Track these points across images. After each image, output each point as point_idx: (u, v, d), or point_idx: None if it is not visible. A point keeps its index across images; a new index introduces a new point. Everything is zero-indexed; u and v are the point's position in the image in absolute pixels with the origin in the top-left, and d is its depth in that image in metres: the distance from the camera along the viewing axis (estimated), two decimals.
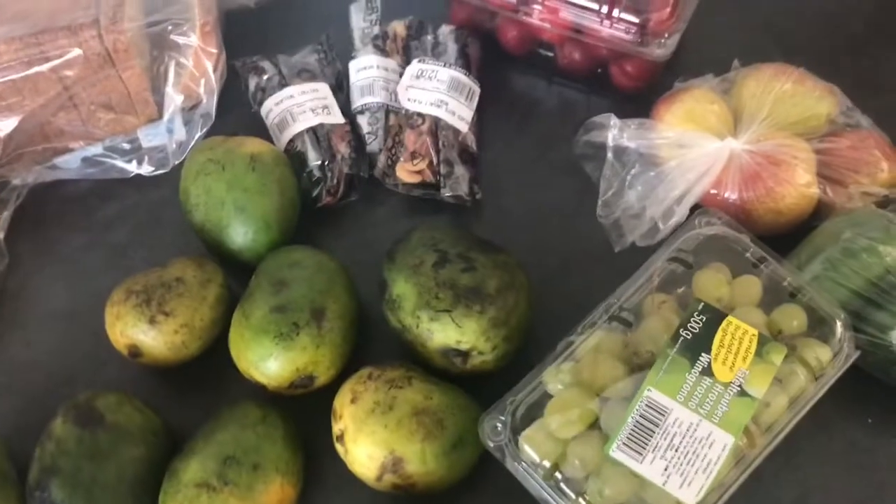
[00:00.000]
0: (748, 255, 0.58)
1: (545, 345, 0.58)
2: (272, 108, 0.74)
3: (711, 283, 0.57)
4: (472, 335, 0.59)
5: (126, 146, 0.76)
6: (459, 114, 0.72)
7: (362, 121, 0.74)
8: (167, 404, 0.64)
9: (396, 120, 0.73)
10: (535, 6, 0.71)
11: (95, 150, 0.75)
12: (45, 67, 0.68)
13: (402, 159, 0.71)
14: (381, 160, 0.72)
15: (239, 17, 0.82)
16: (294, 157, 0.72)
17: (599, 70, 0.76)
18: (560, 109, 0.77)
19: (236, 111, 0.77)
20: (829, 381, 0.55)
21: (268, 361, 0.60)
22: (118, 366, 0.66)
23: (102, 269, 0.72)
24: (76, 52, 0.68)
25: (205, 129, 0.75)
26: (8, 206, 0.73)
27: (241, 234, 0.67)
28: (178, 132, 0.75)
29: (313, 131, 0.72)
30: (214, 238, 0.68)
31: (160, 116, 0.75)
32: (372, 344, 0.66)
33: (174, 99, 0.74)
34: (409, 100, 0.72)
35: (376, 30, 0.77)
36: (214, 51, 0.74)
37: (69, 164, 0.76)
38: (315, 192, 0.71)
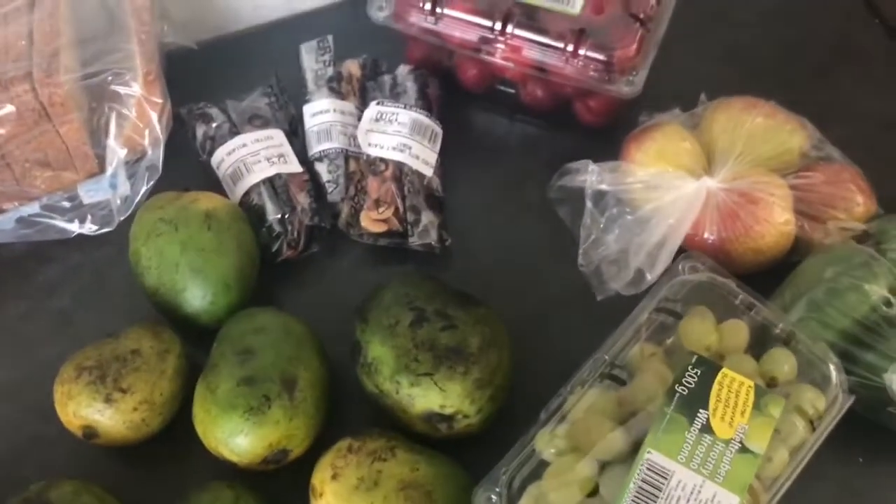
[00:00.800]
0: (737, 301, 0.56)
1: (528, 399, 0.56)
2: (224, 158, 0.70)
3: (699, 331, 0.56)
4: (456, 398, 0.56)
5: (66, 204, 0.70)
6: (423, 157, 0.69)
7: (321, 168, 0.71)
8: (128, 487, 0.59)
9: (357, 166, 0.69)
10: (498, 45, 0.68)
11: (31, 209, 0.70)
12: None
13: (365, 207, 0.67)
14: (345, 210, 0.68)
15: (181, 58, 0.77)
16: (250, 210, 0.68)
17: (563, 106, 0.74)
18: (524, 147, 0.75)
19: (184, 162, 0.72)
20: (827, 430, 0.53)
21: (238, 438, 0.56)
22: (71, 446, 0.61)
23: (46, 339, 0.67)
24: (8, 108, 0.64)
25: (151, 183, 0.71)
26: None
27: (198, 298, 0.63)
28: (123, 187, 0.71)
29: (270, 182, 0.69)
30: (169, 302, 0.63)
31: (102, 171, 0.70)
32: (346, 409, 0.63)
33: (117, 152, 0.70)
34: (369, 144, 0.69)
35: (330, 71, 0.73)
36: (159, 100, 0.70)
37: (2, 225, 0.70)
38: (275, 247, 0.67)
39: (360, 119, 0.71)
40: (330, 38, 0.75)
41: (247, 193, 0.69)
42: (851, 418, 0.58)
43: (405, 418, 0.58)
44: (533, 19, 0.68)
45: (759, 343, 0.56)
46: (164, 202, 0.66)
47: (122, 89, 0.68)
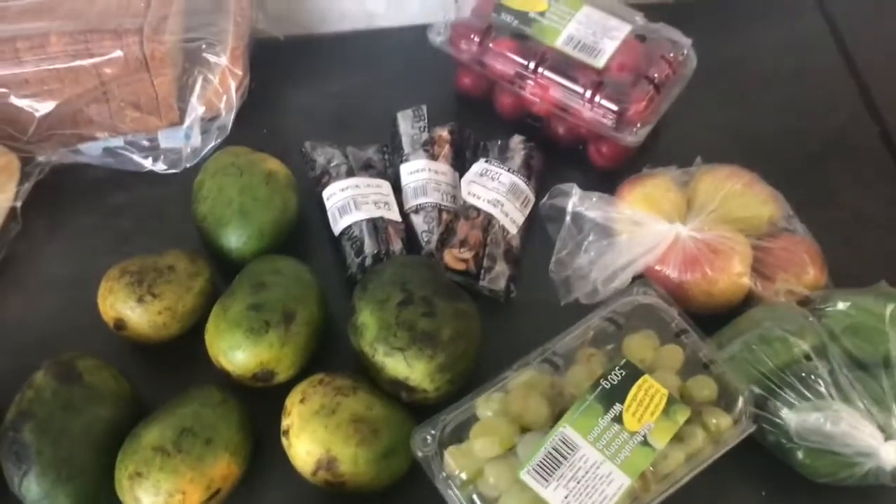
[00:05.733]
0: (673, 325, 0.65)
1: (487, 380, 0.64)
2: (336, 192, 0.78)
3: (640, 345, 0.64)
4: (419, 375, 0.65)
5: (145, 143, 0.84)
6: (512, 216, 0.77)
7: (417, 220, 0.78)
8: (140, 377, 0.70)
9: (450, 215, 0.77)
10: (529, 81, 0.79)
11: (117, 142, 0.84)
12: (87, 62, 0.76)
13: (450, 245, 0.75)
14: (433, 240, 0.76)
15: (267, 45, 0.90)
16: (350, 239, 0.76)
17: (580, 147, 0.84)
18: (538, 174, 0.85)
19: (248, 131, 0.85)
20: (726, 447, 0.61)
21: (237, 352, 0.67)
22: (104, 337, 0.72)
23: (104, 251, 0.79)
24: (118, 53, 0.76)
25: (219, 141, 0.84)
26: (30, 179, 0.81)
27: (235, 235, 0.74)
28: (194, 139, 0.83)
29: (373, 222, 0.76)
30: (211, 232, 0.75)
31: (181, 122, 0.83)
32: (333, 355, 0.73)
33: (196, 109, 0.82)
34: (469, 193, 0.78)
35: (425, 136, 0.81)
36: (240, 73, 0.83)
37: (91, 151, 0.84)
38: (356, 275, 0.75)
39: (450, 178, 0.80)
40: (424, 107, 0.83)
41: (349, 226, 0.76)
42: (763, 454, 0.66)
43: (375, 377, 0.67)
44: (563, 65, 0.78)
45: (693, 373, 0.64)
46: (239, 152, 0.78)
47: (211, 58, 0.81)
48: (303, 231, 0.80)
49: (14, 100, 0.77)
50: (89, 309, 0.72)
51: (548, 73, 0.78)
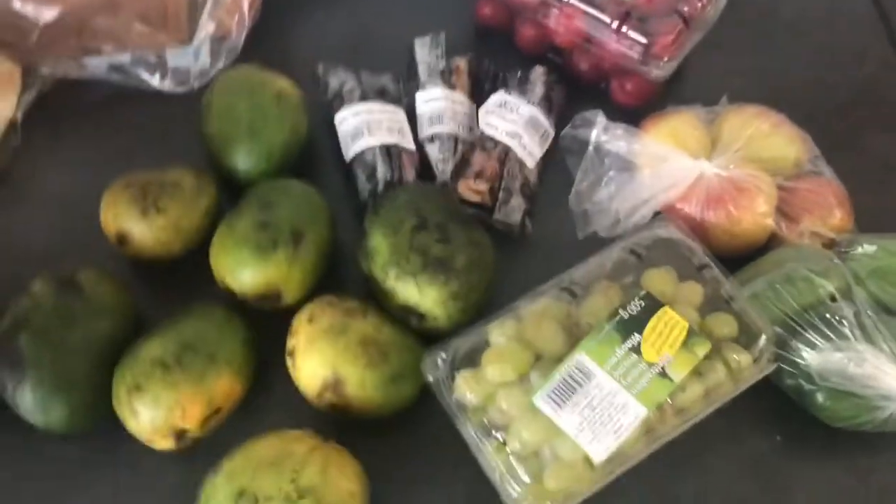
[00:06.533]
0: (694, 259, 0.63)
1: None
2: (349, 117, 0.75)
3: (660, 279, 0.62)
4: (430, 302, 0.63)
5: (152, 60, 0.80)
6: (530, 150, 0.75)
7: (432, 149, 0.75)
8: (141, 293, 0.68)
9: (467, 144, 0.75)
10: (553, 10, 0.76)
11: (124, 58, 0.80)
12: None
13: (465, 176, 0.73)
14: (447, 170, 0.74)
15: None
16: (362, 165, 0.73)
17: (602, 84, 0.81)
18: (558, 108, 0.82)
19: (259, 52, 0.81)
20: (745, 385, 0.60)
21: (243, 270, 0.64)
22: (105, 252, 0.70)
23: (107, 168, 0.75)
24: None
25: (228, 61, 0.80)
26: (31, 91, 0.78)
27: (243, 155, 0.71)
28: (203, 59, 0.80)
29: (387, 148, 0.74)
30: (218, 151, 0.72)
31: (190, 41, 0.80)
32: (340, 282, 0.70)
33: (206, 28, 0.79)
34: (487, 124, 0.75)
35: (442, 64, 0.79)
36: None
37: (97, 65, 0.80)
38: (370, 202, 0.73)
39: (467, 109, 0.77)
40: (442, 34, 0.80)
41: (362, 152, 0.74)
42: (781, 397, 0.65)
43: (385, 303, 0.65)
44: None
45: (713, 311, 0.62)
46: (251, 70, 0.75)
47: None
48: (312, 156, 0.77)
49: (16, 4, 0.74)
50: (91, 225, 0.70)
51: (574, 2, 0.75)
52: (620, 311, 0.59)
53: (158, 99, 0.80)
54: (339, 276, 0.71)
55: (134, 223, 0.67)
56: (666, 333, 0.58)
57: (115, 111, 0.80)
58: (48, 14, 0.75)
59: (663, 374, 0.57)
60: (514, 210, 0.73)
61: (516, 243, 0.74)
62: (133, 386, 0.59)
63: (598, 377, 0.56)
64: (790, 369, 0.63)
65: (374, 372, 0.61)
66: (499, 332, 0.60)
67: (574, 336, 0.59)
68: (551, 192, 0.75)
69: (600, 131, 0.68)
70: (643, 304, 0.59)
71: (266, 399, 0.65)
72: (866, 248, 0.66)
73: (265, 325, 0.66)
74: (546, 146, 0.77)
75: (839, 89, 0.84)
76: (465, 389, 0.57)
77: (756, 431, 0.66)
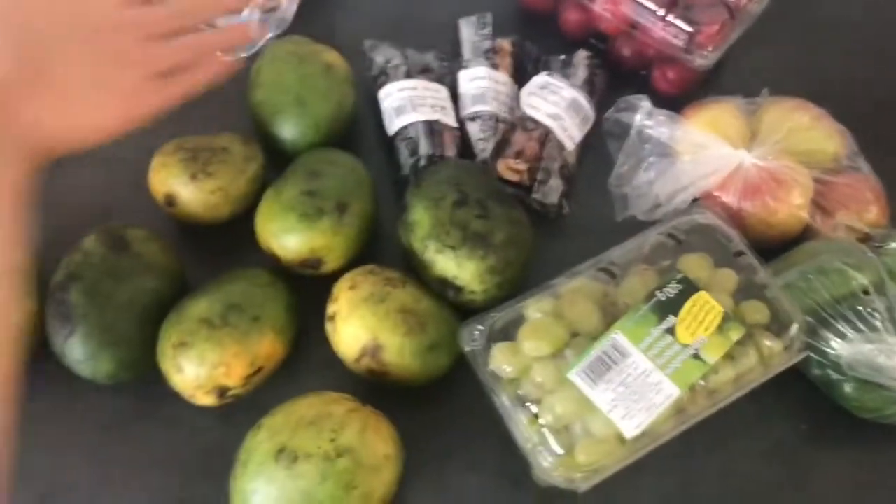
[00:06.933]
0: (730, 246, 0.64)
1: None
2: (393, 92, 0.77)
3: (696, 265, 0.63)
4: (468, 275, 0.65)
5: (204, 27, 0.82)
6: (570, 132, 0.75)
7: (473, 128, 0.76)
8: (188, 255, 0.70)
9: (508, 123, 0.76)
10: None
11: None
12: None
13: (505, 155, 0.74)
14: (487, 149, 0.75)
15: None
16: (405, 140, 0.75)
17: (644, 72, 0.82)
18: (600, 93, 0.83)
19: (307, 25, 0.83)
20: (775, 371, 0.61)
21: (289, 235, 0.66)
22: (153, 213, 0.71)
23: (156, 129, 0.77)
24: None
25: (277, 32, 0.82)
26: None
27: (291, 125, 0.73)
28: (253, 28, 0.82)
29: (429, 124, 0.75)
30: (265, 119, 0.74)
31: (241, 9, 0.81)
32: (380, 254, 0.72)
33: None
34: (529, 105, 0.76)
35: (487, 44, 0.80)
36: None
37: None
38: (410, 176, 0.73)
39: (510, 90, 0.78)
40: (489, 14, 0.82)
41: (405, 127, 0.75)
42: (809, 387, 0.66)
43: (423, 275, 0.67)
44: None
45: (747, 298, 0.63)
46: (300, 42, 0.76)
47: None
48: (357, 130, 0.79)
49: None
50: (139, 185, 0.72)
51: None
52: (657, 293, 0.60)
53: None
54: (380, 248, 0.72)
55: (183, 186, 0.69)
56: (701, 317, 0.59)
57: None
58: None
59: (697, 356, 0.58)
60: (552, 190, 0.74)
61: (553, 223, 0.75)
62: (179, 342, 0.61)
63: (633, 356, 0.58)
64: (819, 359, 0.64)
65: (413, 340, 0.62)
66: (536, 308, 0.61)
67: (610, 315, 0.60)
68: (590, 175, 0.76)
69: (644, 116, 0.69)
70: (680, 287, 0.61)
71: (306, 362, 0.67)
72: None
73: (306, 290, 0.68)
74: (586, 129, 0.78)
75: (880, 87, 0.84)
76: (501, 361, 0.59)
77: (782, 418, 0.67)
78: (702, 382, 0.58)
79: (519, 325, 0.60)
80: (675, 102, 0.78)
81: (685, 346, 0.58)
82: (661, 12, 0.75)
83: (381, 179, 0.75)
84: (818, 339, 0.63)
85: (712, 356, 0.58)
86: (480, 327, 0.60)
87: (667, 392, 0.57)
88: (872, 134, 0.76)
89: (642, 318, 0.59)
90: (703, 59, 0.75)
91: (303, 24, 0.83)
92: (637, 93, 0.81)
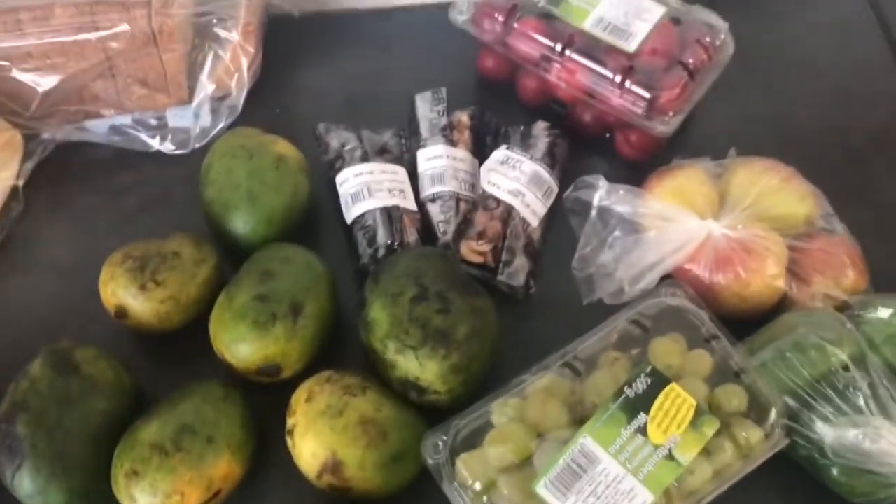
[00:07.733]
0: (703, 329, 0.61)
1: (502, 386, 0.61)
2: (349, 178, 0.74)
3: (666, 350, 0.61)
4: (431, 376, 0.62)
5: (153, 122, 0.80)
6: (533, 208, 0.73)
7: (434, 209, 0.74)
8: (141, 368, 0.68)
9: (469, 203, 0.74)
10: (555, 64, 0.75)
11: (124, 120, 0.80)
12: (92, 36, 0.73)
13: (467, 237, 0.71)
14: (449, 231, 0.72)
15: (281, 21, 0.86)
16: (363, 229, 0.72)
17: (607, 135, 0.80)
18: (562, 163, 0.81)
19: (259, 111, 0.81)
20: (756, 462, 0.58)
21: (241, 344, 0.64)
22: (105, 324, 0.69)
23: (108, 232, 0.76)
24: (124, 27, 0.73)
25: (229, 121, 0.80)
26: (33, 158, 0.78)
27: (243, 221, 0.71)
28: (204, 119, 0.80)
29: (387, 211, 0.72)
30: (219, 217, 0.71)
31: (190, 101, 0.79)
32: (342, 351, 0.70)
33: (206, 87, 0.79)
34: (489, 182, 0.74)
35: (444, 120, 0.77)
36: (252, 50, 0.79)
37: (97, 128, 0.80)
38: (368, 266, 0.71)
39: (469, 166, 0.76)
40: (444, 90, 0.79)
41: (362, 215, 0.73)
42: (793, 469, 0.63)
43: (385, 376, 0.64)
44: (591, 48, 0.74)
45: (722, 380, 0.60)
46: (249, 133, 0.74)
47: (223, 33, 0.78)
48: (314, 218, 0.77)
49: (16, 74, 0.74)
50: (91, 294, 0.69)
51: (575, 57, 0.74)
52: (626, 390, 0.57)
53: (160, 160, 0.80)
54: (341, 344, 0.70)
55: (132, 298, 0.66)
56: (673, 413, 0.57)
57: (117, 174, 0.80)
58: (48, 81, 0.75)
59: (670, 456, 0.55)
60: (518, 271, 0.71)
61: (521, 304, 0.72)
62: (131, 471, 0.58)
63: (602, 462, 0.55)
64: (803, 442, 0.61)
65: (374, 453, 0.59)
66: (501, 413, 0.58)
67: (579, 414, 0.58)
68: (557, 248, 0.74)
69: (603, 195, 0.67)
70: (649, 381, 0.58)
71: (267, 478, 0.64)
72: (881, 312, 0.63)
73: (266, 397, 0.65)
74: (550, 203, 0.75)
75: (851, 134, 0.82)
76: (466, 474, 0.56)
77: None
78: (676, 485, 0.55)
79: (484, 431, 0.57)
80: (641, 166, 0.76)
81: (657, 446, 0.56)
82: (618, 79, 0.72)
83: (342, 267, 0.72)
84: (801, 422, 0.60)
85: (686, 455, 0.55)
86: (444, 438, 0.58)
87: (641, 499, 0.54)
88: (846, 182, 0.74)
89: (611, 419, 0.56)
90: (665, 126, 0.72)
91: (254, 109, 0.81)
92: (601, 158, 0.79)
